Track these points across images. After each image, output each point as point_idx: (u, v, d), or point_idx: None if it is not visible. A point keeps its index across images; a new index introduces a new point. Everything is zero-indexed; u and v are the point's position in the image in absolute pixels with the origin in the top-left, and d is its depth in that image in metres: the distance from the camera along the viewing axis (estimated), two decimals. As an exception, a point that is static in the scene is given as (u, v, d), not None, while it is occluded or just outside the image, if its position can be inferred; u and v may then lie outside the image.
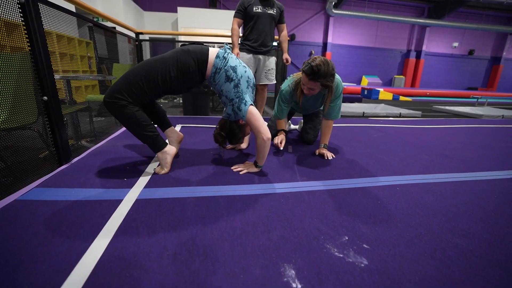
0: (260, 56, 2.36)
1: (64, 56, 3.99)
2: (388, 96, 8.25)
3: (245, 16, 2.28)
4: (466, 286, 0.69)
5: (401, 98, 8.28)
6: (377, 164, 1.60)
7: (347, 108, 4.36)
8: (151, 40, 4.08)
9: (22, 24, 1.17)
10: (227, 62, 1.31)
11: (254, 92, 1.46)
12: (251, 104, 1.32)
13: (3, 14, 1.11)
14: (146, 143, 1.29)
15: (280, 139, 1.53)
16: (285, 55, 2.45)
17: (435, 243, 0.86)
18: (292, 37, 11.68)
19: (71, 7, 2.72)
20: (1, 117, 1.28)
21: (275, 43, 2.73)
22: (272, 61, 2.42)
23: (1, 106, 1.29)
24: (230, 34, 2.40)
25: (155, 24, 8.58)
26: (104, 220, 0.90)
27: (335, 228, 0.93)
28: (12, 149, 1.38)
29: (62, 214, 0.93)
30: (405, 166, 1.59)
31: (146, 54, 7.98)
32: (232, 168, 1.43)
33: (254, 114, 1.29)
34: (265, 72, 2.40)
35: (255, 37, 2.28)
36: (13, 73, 1.28)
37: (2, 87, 1.25)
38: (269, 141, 1.28)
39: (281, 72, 3.39)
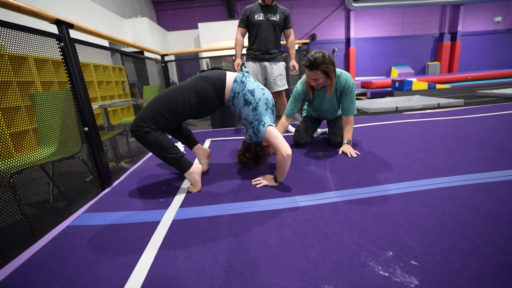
0: (266, 63, 2.34)
1: (101, 83, 4.37)
2: (423, 85, 7.68)
3: (248, 25, 2.28)
4: (544, 310, 0.59)
5: (438, 86, 7.66)
6: (418, 165, 1.48)
7: (378, 104, 4.13)
8: (176, 60, 4.29)
9: (63, 63, 1.30)
10: (245, 86, 1.35)
11: (274, 113, 1.49)
12: (270, 125, 1.32)
13: (49, 55, 1.25)
14: (172, 165, 1.34)
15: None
16: (292, 62, 2.38)
17: (500, 257, 0.76)
18: (313, 37, 11.49)
19: (105, 42, 2.96)
20: (52, 150, 1.43)
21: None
22: (279, 66, 2.37)
23: (52, 139, 1.44)
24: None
25: (178, 42, 9.04)
26: (143, 243, 0.95)
27: (377, 242, 0.86)
28: (61, 175, 1.54)
29: (107, 238, 1.00)
30: (450, 165, 1.44)
31: (173, 73, 8.40)
32: (252, 181, 1.42)
33: (272, 132, 1.29)
34: (274, 79, 2.36)
35: (258, 45, 2.28)
36: (60, 109, 1.42)
37: (52, 122, 1.40)
38: (289, 158, 1.24)
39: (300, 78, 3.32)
